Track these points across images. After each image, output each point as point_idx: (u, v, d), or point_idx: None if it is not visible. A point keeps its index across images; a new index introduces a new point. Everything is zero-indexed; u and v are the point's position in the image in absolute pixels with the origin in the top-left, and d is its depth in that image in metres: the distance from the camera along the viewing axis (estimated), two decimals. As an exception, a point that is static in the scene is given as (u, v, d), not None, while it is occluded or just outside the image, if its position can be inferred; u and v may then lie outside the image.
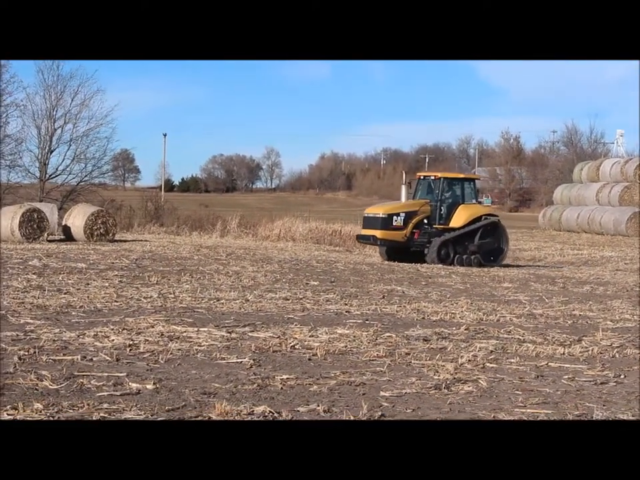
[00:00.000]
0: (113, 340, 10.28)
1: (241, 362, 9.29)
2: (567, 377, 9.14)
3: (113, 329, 11.04)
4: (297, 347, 10.38)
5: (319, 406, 7.39)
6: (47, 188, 62.19)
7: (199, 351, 9.88)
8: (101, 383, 7.95)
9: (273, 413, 7.06)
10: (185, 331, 11.12)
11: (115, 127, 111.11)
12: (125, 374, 8.39)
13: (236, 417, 6.89)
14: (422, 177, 31.59)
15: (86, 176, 63.20)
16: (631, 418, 7.43)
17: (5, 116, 61.31)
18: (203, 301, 14.70)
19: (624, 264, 33.39)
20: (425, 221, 29.95)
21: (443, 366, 9.33)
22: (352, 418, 7.00)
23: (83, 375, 8.25)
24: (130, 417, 6.81)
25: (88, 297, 14.70)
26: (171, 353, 9.61)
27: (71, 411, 6.91)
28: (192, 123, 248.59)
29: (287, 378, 8.49)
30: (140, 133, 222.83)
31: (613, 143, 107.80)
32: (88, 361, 9.05)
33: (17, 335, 10.37)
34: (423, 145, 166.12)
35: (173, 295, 15.41)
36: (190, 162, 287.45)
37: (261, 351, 10.04)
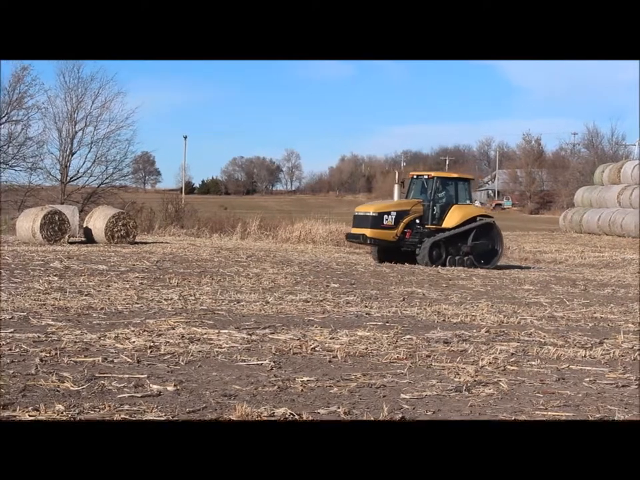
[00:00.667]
0: (134, 342, 10.30)
1: (262, 364, 9.30)
2: (588, 379, 9.10)
3: (133, 331, 11.06)
4: (317, 349, 10.38)
5: (339, 408, 7.38)
6: (68, 190, 62.41)
7: (219, 352, 9.89)
8: (122, 385, 7.97)
9: (294, 415, 7.06)
10: (205, 333, 11.14)
11: (136, 129, 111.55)
12: (146, 375, 8.41)
13: (256, 419, 6.89)
14: (415, 176, 31.14)
15: (107, 178, 63.41)
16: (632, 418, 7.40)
17: (27, 118, 61.65)
18: (224, 303, 14.72)
19: (645, 266, 33.24)
20: (417, 220, 29.43)
21: (464, 368, 9.31)
22: (372, 419, 6.99)
23: (104, 377, 8.28)
24: (150, 418, 6.82)
25: (109, 298, 14.74)
26: (191, 355, 9.62)
27: (92, 412, 6.93)
28: (212, 125, 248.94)
29: (308, 380, 8.49)
30: (160, 136, 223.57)
31: (635, 145, 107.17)
32: (109, 362, 9.07)
33: (39, 337, 10.41)
34: (444, 147, 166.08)
35: (193, 297, 15.44)
36: (210, 164, 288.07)
37: (282, 353, 10.05)
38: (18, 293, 14.97)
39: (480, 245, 29.69)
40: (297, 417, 7.03)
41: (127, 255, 27.55)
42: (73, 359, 9.12)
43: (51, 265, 22.24)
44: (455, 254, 29.27)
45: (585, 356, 10.52)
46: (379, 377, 8.78)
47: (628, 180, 61.88)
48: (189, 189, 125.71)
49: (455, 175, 31.86)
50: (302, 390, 8.11)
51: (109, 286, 16.98)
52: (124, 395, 7.58)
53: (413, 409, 7.53)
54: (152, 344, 10.17)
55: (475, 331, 12.27)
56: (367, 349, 10.46)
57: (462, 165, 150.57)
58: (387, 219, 28.91)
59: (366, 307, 15.06)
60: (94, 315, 12.67)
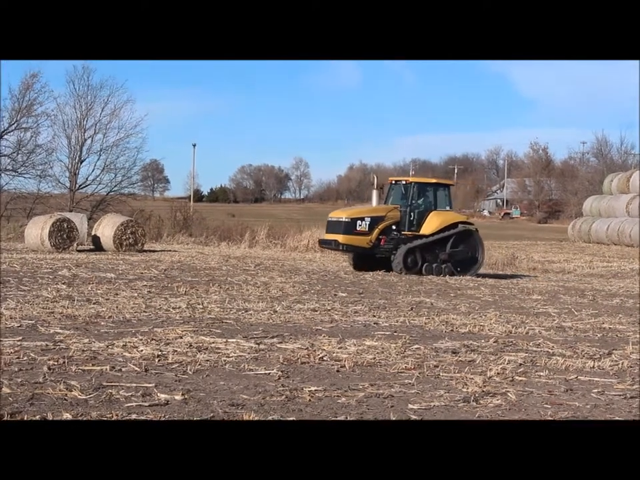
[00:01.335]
0: (142, 350, 10.31)
1: (269, 373, 9.29)
2: (596, 390, 9.08)
3: (141, 340, 11.06)
4: (325, 358, 10.37)
5: (347, 418, 7.38)
6: (76, 198, 62.50)
7: (227, 362, 9.89)
8: (130, 394, 7.97)
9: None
10: (213, 342, 11.14)
11: (145, 137, 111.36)
12: (154, 384, 8.41)
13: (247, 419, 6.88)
14: (394, 182, 30.52)
15: (115, 186, 63.49)
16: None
17: (36, 126, 61.78)
18: (232, 312, 14.72)
19: (654, 276, 33.17)
20: (394, 227, 28.79)
21: (472, 379, 9.30)
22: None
23: (112, 386, 8.27)
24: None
25: (117, 307, 14.75)
26: (199, 364, 9.62)
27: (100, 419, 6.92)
28: (221, 133, 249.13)
29: (315, 390, 8.49)
30: (169, 143, 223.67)
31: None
32: (117, 371, 9.07)
33: (47, 345, 10.41)
34: (452, 156, 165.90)
35: (201, 306, 15.44)
36: (219, 172, 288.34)
37: (289, 362, 10.04)
38: (26, 301, 14.98)
39: (458, 253, 29.05)
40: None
41: (135, 263, 27.56)
42: (80, 368, 9.12)
43: (60, 272, 22.26)
44: (432, 261, 28.59)
45: (593, 367, 10.50)
46: (386, 387, 8.77)
47: (637, 189, 61.80)
48: (198, 197, 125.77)
49: (434, 181, 31.37)
50: (310, 400, 8.10)
51: (117, 294, 16.99)
52: (131, 404, 7.58)
53: (421, 419, 7.52)
54: (160, 353, 10.17)
55: (483, 341, 12.25)
56: (374, 358, 10.45)
57: (471, 174, 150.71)
58: (360, 225, 28.31)
59: (374, 316, 15.05)
60: (102, 323, 12.68)
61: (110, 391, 8.05)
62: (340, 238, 28.39)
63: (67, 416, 6.99)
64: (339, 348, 11.13)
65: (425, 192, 29.58)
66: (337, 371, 9.65)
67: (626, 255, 49.19)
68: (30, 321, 12.41)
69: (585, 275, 34.21)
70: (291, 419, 7.26)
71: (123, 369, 9.17)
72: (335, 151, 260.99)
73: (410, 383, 9.02)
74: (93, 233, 38.00)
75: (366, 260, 28.89)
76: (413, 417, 7.56)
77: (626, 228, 59.12)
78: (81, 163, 63.79)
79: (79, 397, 7.76)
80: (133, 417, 7.13)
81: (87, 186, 63.78)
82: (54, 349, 10.25)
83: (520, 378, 9.56)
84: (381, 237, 28.53)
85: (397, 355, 10.78)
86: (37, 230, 35.15)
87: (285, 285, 21.11)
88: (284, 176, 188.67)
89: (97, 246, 36.99)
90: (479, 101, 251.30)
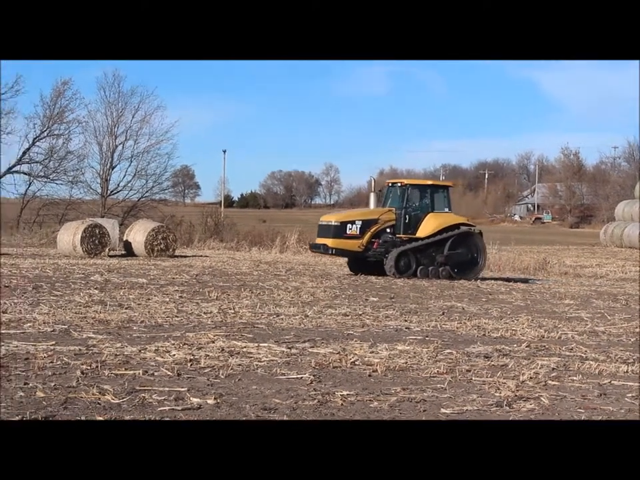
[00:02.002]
0: (174, 355, 10.33)
1: (301, 378, 9.29)
2: (630, 395, 9.01)
3: (173, 344, 11.09)
4: (357, 363, 10.35)
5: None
6: (108, 204, 62.90)
7: (259, 366, 9.89)
8: (163, 398, 7.99)
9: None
10: (245, 347, 11.15)
11: (176, 143, 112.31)
12: (186, 389, 8.42)
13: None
14: (391, 184, 29.85)
15: (147, 192, 63.89)
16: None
17: (68, 132, 62.22)
18: (263, 317, 14.74)
19: (687, 281, 32.93)
20: (388, 230, 28.29)
21: (504, 383, 9.25)
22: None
23: (145, 390, 8.30)
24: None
25: (149, 311, 14.80)
26: (231, 368, 9.63)
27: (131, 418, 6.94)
28: (251, 140, 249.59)
29: (347, 394, 8.47)
30: (200, 150, 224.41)
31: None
32: (149, 375, 9.10)
33: (80, 350, 10.46)
34: (483, 161, 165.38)
35: (232, 311, 15.46)
36: (249, 178, 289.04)
37: (321, 366, 10.03)
38: (59, 306, 15.06)
39: (457, 255, 28.46)
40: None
41: (167, 269, 27.66)
42: (113, 372, 9.16)
43: (92, 278, 22.38)
44: (428, 264, 28.12)
45: (627, 371, 10.42)
46: (419, 392, 8.75)
47: (669, 194, 61.37)
48: (228, 202, 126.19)
49: (430, 182, 30.58)
50: (342, 404, 8.08)
51: (149, 299, 17.06)
52: (164, 408, 7.60)
53: (453, 420, 7.49)
54: (192, 357, 10.19)
55: (515, 345, 12.19)
56: (406, 363, 10.43)
57: (501, 179, 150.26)
58: (350, 229, 27.87)
59: (405, 320, 15.02)
60: (134, 328, 12.73)
61: (143, 395, 8.07)
62: (329, 242, 28.02)
63: (100, 419, 7.01)
64: (370, 352, 11.12)
65: (421, 194, 29.05)
66: (369, 376, 9.63)
67: (659, 260, 48.85)
68: (63, 326, 12.48)
69: (618, 280, 33.99)
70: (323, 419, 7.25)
71: (156, 373, 9.20)
72: (365, 157, 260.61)
73: (442, 388, 8.99)
74: (124, 239, 38.18)
75: (362, 263, 28.57)
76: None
77: (658, 232, 58.73)
78: (112, 169, 64.27)
79: (112, 400, 7.79)
80: (166, 420, 7.14)
81: (118, 192, 64.24)
82: (87, 353, 10.30)
83: (553, 382, 9.50)
84: (374, 240, 28.10)
85: (429, 359, 10.75)
86: (69, 236, 35.36)
87: (316, 289, 21.11)
88: (314, 181, 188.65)
89: (129, 251, 37.15)
90: (510, 106, 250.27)
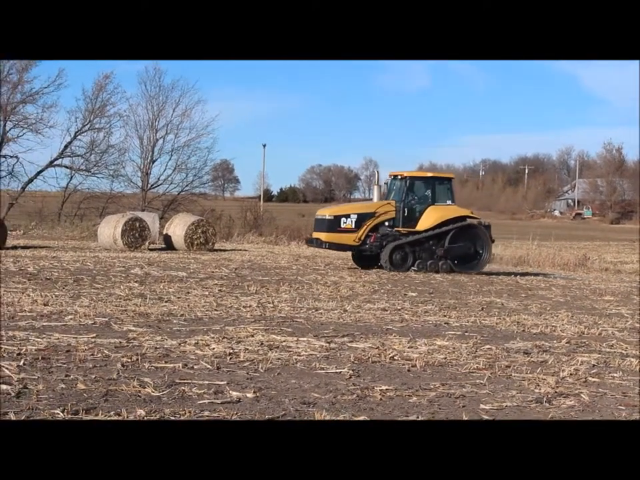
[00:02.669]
0: (214, 348, 10.37)
1: (340, 372, 9.29)
2: (671, 392, 8.95)
3: (213, 338, 11.14)
4: (395, 357, 10.35)
5: (418, 417, 7.36)
6: (148, 197, 63.21)
7: (298, 360, 9.91)
8: (202, 391, 8.02)
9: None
10: (284, 341, 11.17)
11: (216, 137, 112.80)
12: (226, 382, 8.45)
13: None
14: (393, 177, 29.34)
15: (187, 186, 64.10)
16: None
17: (109, 126, 62.58)
18: (302, 311, 14.76)
19: None
20: (387, 223, 28.01)
21: (544, 379, 9.21)
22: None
23: (184, 383, 8.34)
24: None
25: (188, 305, 14.87)
26: (270, 362, 9.65)
27: (172, 417, 6.98)
28: (291, 134, 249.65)
29: (386, 389, 8.47)
30: (240, 144, 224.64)
31: None
32: (189, 368, 9.14)
33: (120, 342, 10.53)
34: (523, 156, 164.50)
35: (272, 305, 15.50)
36: (288, 172, 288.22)
37: (360, 361, 10.04)
38: (100, 299, 15.17)
39: (457, 248, 28.00)
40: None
41: (206, 262, 27.78)
42: (153, 365, 9.21)
43: (132, 271, 22.52)
44: (427, 258, 27.76)
45: (668, 368, 10.35)
46: (458, 387, 8.73)
47: None
48: (268, 196, 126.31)
49: (430, 175, 29.90)
50: (381, 399, 8.09)
51: (188, 293, 17.14)
52: (204, 401, 7.63)
53: (493, 419, 7.47)
54: (231, 351, 10.23)
55: (555, 341, 12.14)
56: (445, 358, 10.41)
57: (541, 174, 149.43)
58: (345, 222, 27.63)
59: (444, 316, 15.00)
60: (174, 321, 12.79)
61: (182, 388, 8.11)
62: (323, 236, 27.88)
63: (141, 412, 7.06)
64: (409, 347, 11.11)
65: (421, 187, 28.73)
66: (408, 371, 9.62)
67: (701, 256, 48.39)
68: (104, 319, 12.56)
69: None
70: (362, 418, 7.25)
71: (195, 367, 9.24)
72: (404, 151, 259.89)
73: (481, 383, 8.97)
74: (164, 232, 38.36)
75: (367, 257, 28.36)
76: (485, 417, 7.52)
77: (701, 229, 58.20)
78: (153, 163, 64.55)
79: (152, 393, 7.84)
80: (206, 414, 7.18)
81: (158, 186, 64.52)
82: (127, 346, 10.37)
83: (593, 379, 9.45)
84: (371, 233, 27.84)
85: (468, 354, 10.72)
86: (110, 229, 35.59)
87: (355, 284, 21.13)
88: (353, 176, 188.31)
89: (168, 245, 37.32)
90: (550, 101, 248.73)
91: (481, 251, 28.48)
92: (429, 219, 28.02)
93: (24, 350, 9.70)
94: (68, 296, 15.54)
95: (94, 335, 11.01)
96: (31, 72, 60.74)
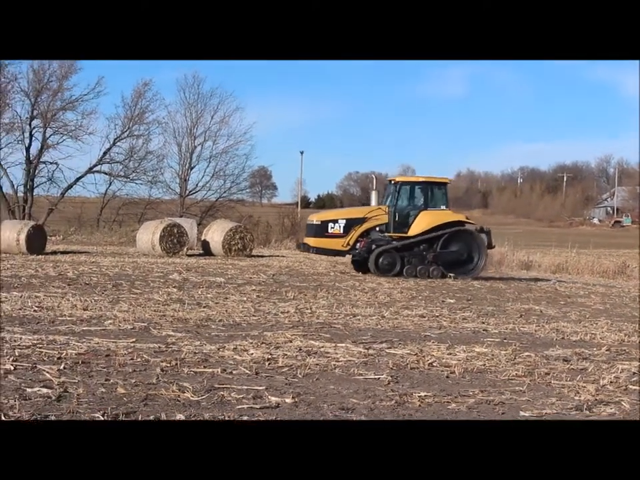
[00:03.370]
0: (252, 354, 10.39)
1: (379, 378, 9.28)
2: None
3: (251, 343, 11.15)
4: (434, 364, 10.32)
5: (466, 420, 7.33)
6: (186, 203, 63.50)
7: (336, 366, 9.91)
8: (241, 396, 8.03)
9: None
10: (322, 346, 11.17)
11: (254, 144, 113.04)
12: (264, 387, 8.46)
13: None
14: (390, 182, 29.18)
15: (225, 192, 64.36)
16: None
17: (148, 133, 62.94)
18: (340, 317, 14.76)
19: None
20: (378, 228, 27.76)
21: (584, 387, 9.15)
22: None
23: (223, 388, 8.35)
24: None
25: (226, 310, 14.91)
26: (309, 368, 9.65)
27: (211, 419, 7.00)
28: (328, 140, 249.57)
29: (425, 395, 8.44)
30: (277, 150, 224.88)
31: None
32: (228, 373, 9.16)
33: (159, 347, 10.57)
34: (561, 164, 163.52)
35: (309, 310, 15.51)
36: (326, 179, 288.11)
37: (399, 367, 10.02)
38: (139, 304, 15.24)
39: (448, 254, 27.54)
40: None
41: (244, 268, 27.84)
42: (192, 370, 9.24)
43: (170, 276, 22.62)
44: (418, 263, 27.33)
45: None
46: (497, 394, 8.69)
47: None
48: (305, 203, 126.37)
49: (422, 179, 28.98)
50: (419, 405, 8.06)
51: (226, 298, 17.18)
52: (243, 406, 7.64)
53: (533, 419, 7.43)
54: (270, 356, 10.24)
55: (594, 349, 12.05)
56: (484, 365, 10.37)
57: (580, 182, 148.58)
58: (332, 227, 27.48)
59: (483, 323, 14.94)
60: (212, 326, 12.83)
61: (221, 392, 8.12)
62: (311, 241, 27.93)
63: (180, 417, 7.08)
64: (448, 354, 11.07)
65: (413, 191, 28.37)
66: (447, 377, 9.59)
67: None
68: (143, 324, 12.62)
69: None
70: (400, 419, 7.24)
71: (234, 372, 9.26)
72: (442, 158, 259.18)
73: (521, 390, 8.92)
74: (202, 238, 38.50)
75: (364, 262, 27.97)
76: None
77: None
78: (191, 170, 64.84)
79: (192, 398, 7.86)
80: (245, 418, 7.19)
81: (196, 192, 64.80)
82: (166, 350, 10.41)
83: (634, 387, 9.35)
84: (361, 239, 27.64)
85: (507, 361, 10.67)
86: (148, 235, 35.76)
87: (393, 290, 21.10)
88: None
89: (206, 251, 37.45)
90: (589, 108, 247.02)
91: (475, 257, 27.97)
92: (421, 224, 27.70)
93: (64, 354, 9.77)
94: (107, 301, 15.63)
95: (133, 339, 11.07)
96: (71, 79, 61.28)
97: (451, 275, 27.08)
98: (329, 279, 24.91)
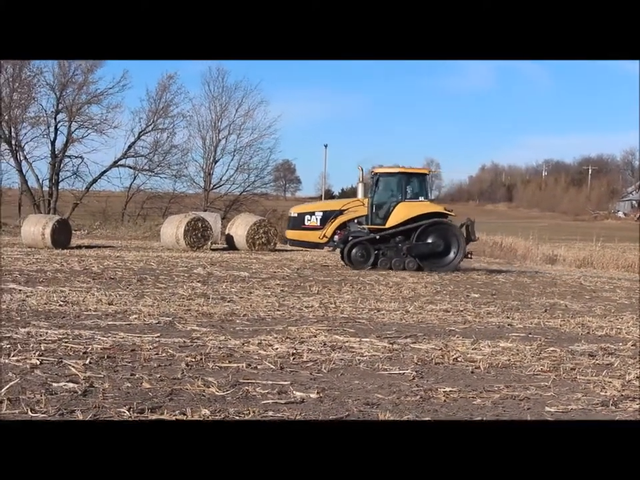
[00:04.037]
0: (277, 348, 10.39)
1: (404, 373, 9.26)
2: None
3: (276, 338, 11.16)
4: (459, 359, 10.29)
5: (483, 419, 7.31)
6: (210, 197, 63.64)
7: (361, 361, 9.90)
8: (266, 391, 8.04)
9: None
10: (347, 341, 11.17)
11: (278, 137, 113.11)
12: (289, 382, 8.46)
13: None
14: (373, 173, 28.73)
15: (249, 186, 64.49)
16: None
17: (172, 127, 63.09)
18: (364, 311, 14.75)
19: None
20: (356, 220, 27.65)
21: (610, 382, 9.11)
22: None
23: (248, 383, 8.35)
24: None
25: (251, 305, 14.93)
26: (333, 363, 9.65)
27: (237, 417, 7.01)
28: (352, 134, 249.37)
29: (450, 390, 8.43)
30: (301, 144, 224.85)
31: None
32: (252, 368, 9.16)
33: (184, 342, 10.59)
34: (586, 157, 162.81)
35: (334, 305, 15.51)
36: (350, 172, 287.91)
37: (423, 362, 10.00)
38: (163, 299, 15.28)
39: (423, 246, 27.25)
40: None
41: (268, 262, 27.89)
42: (217, 365, 9.25)
43: (195, 271, 22.67)
44: (393, 255, 27.16)
45: None
46: (522, 389, 8.66)
47: None
48: (329, 196, 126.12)
49: (397, 170, 28.37)
50: (445, 400, 8.05)
51: (250, 292, 17.21)
52: (268, 401, 7.64)
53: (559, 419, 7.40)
54: (294, 351, 10.24)
55: (620, 344, 12.00)
56: (509, 360, 10.33)
57: (605, 175, 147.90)
58: (309, 220, 27.57)
59: (507, 317, 14.90)
60: (237, 321, 12.84)
61: (246, 387, 8.13)
62: (288, 233, 28.21)
63: (205, 412, 7.09)
64: (473, 349, 11.04)
65: (392, 183, 28.06)
66: (472, 372, 9.56)
67: None
68: (167, 318, 12.66)
69: None
70: (426, 419, 7.23)
71: (259, 367, 9.26)
72: (467, 151, 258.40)
73: (546, 386, 8.88)
74: (226, 232, 38.56)
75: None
76: (550, 420, 7.45)
77: None
78: (215, 163, 64.99)
79: (217, 393, 7.87)
80: (270, 414, 7.19)
81: (220, 186, 64.96)
82: (191, 345, 10.43)
83: (660, 382, 9.32)
84: (340, 230, 27.59)
85: (532, 356, 10.63)
86: (173, 229, 35.84)
87: (417, 285, 21.08)
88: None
89: (230, 245, 37.52)
90: (614, 101, 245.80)
91: (452, 250, 27.62)
92: (398, 215, 27.47)
93: (90, 349, 9.81)
94: (132, 295, 15.68)
95: (158, 334, 11.09)
96: (96, 73, 61.54)
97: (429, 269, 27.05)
98: (353, 273, 24.91)
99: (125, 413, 6.92)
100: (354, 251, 27.24)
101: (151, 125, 62.70)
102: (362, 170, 29.24)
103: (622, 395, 8.50)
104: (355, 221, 27.75)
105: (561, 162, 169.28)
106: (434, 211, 27.79)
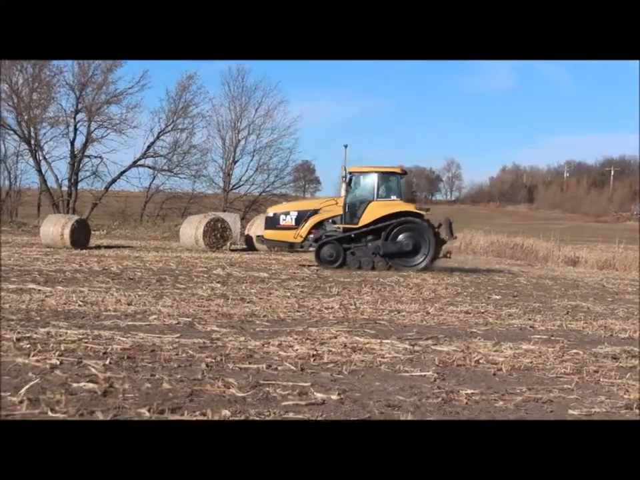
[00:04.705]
0: (297, 350, 10.34)
1: (425, 375, 9.19)
2: None
3: (296, 339, 11.11)
4: (481, 361, 10.21)
5: (504, 420, 7.23)
6: (230, 198, 63.73)
7: (382, 362, 9.83)
8: (287, 392, 7.98)
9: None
10: (367, 343, 11.10)
11: (297, 138, 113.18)
12: (310, 384, 8.40)
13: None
14: (351, 172, 28.49)
15: (268, 186, 64.57)
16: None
17: (191, 127, 63.18)
18: (384, 313, 14.68)
19: None
20: (331, 220, 27.79)
21: (634, 385, 9.01)
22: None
23: (269, 384, 8.30)
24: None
25: (270, 306, 14.88)
26: (354, 364, 9.59)
27: (257, 418, 6.96)
28: (372, 134, 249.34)
29: (472, 393, 8.35)
30: (321, 144, 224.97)
31: None
32: (273, 369, 9.11)
33: (204, 342, 10.55)
34: (608, 158, 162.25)
35: (354, 306, 15.45)
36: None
37: (445, 364, 9.92)
38: (182, 299, 15.25)
39: (392, 245, 27.15)
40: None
41: (288, 263, 27.87)
42: (237, 365, 9.20)
43: (214, 271, 22.65)
44: (362, 255, 27.29)
45: None
46: (545, 392, 8.58)
47: None
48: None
49: (371, 169, 28.19)
50: (466, 402, 7.97)
51: (270, 293, 17.16)
52: (288, 403, 7.59)
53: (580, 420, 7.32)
54: (315, 352, 10.18)
55: (643, 346, 11.89)
56: (532, 362, 10.25)
57: (628, 176, 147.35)
58: (284, 219, 27.76)
59: (529, 319, 14.80)
60: (257, 322, 12.79)
61: (267, 389, 8.08)
62: (265, 233, 28.28)
63: (226, 413, 7.04)
64: (494, 351, 10.96)
65: (365, 182, 28.01)
66: (494, 375, 9.48)
67: None
68: (187, 319, 12.62)
69: None
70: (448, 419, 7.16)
71: (279, 368, 9.21)
72: (487, 152, 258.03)
73: (569, 388, 8.80)
74: (245, 233, 38.56)
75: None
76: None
77: None
78: (235, 164, 65.08)
79: (237, 394, 7.81)
80: (290, 415, 7.14)
81: (240, 186, 65.07)
82: (211, 346, 10.38)
83: (685, 386, 9.23)
84: (314, 230, 27.75)
85: (555, 359, 10.55)
86: (192, 229, 35.87)
87: (438, 286, 20.99)
88: (435, 177, 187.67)
89: (250, 245, 37.53)
90: (637, 101, 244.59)
91: (422, 249, 27.53)
92: (370, 214, 27.49)
93: (110, 349, 9.77)
94: (151, 296, 15.66)
95: (178, 334, 11.06)
96: (115, 73, 61.72)
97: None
98: (373, 274, 24.84)
99: (145, 413, 6.88)
100: (323, 249, 27.54)
101: (170, 124, 62.87)
102: (344, 169, 29.15)
103: (646, 398, 8.41)
104: (330, 220, 27.97)
105: (583, 163, 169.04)
106: (405, 210, 27.79)
